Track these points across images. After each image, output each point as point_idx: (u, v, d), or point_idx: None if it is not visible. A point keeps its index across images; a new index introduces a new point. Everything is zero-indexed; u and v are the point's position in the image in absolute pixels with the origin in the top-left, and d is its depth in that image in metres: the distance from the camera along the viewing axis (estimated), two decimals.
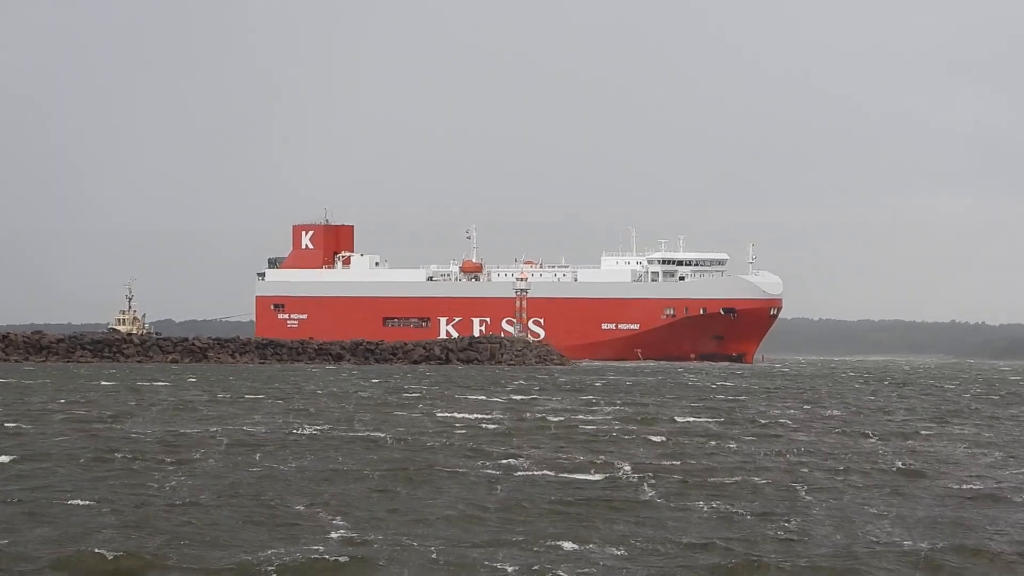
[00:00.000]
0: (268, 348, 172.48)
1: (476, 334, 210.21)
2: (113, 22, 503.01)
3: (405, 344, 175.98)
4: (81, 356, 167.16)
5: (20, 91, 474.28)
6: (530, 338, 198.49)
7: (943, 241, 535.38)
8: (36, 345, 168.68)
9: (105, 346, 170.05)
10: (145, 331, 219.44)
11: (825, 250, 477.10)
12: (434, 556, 27.67)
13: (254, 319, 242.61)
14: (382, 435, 53.94)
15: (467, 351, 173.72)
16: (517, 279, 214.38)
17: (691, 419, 68.08)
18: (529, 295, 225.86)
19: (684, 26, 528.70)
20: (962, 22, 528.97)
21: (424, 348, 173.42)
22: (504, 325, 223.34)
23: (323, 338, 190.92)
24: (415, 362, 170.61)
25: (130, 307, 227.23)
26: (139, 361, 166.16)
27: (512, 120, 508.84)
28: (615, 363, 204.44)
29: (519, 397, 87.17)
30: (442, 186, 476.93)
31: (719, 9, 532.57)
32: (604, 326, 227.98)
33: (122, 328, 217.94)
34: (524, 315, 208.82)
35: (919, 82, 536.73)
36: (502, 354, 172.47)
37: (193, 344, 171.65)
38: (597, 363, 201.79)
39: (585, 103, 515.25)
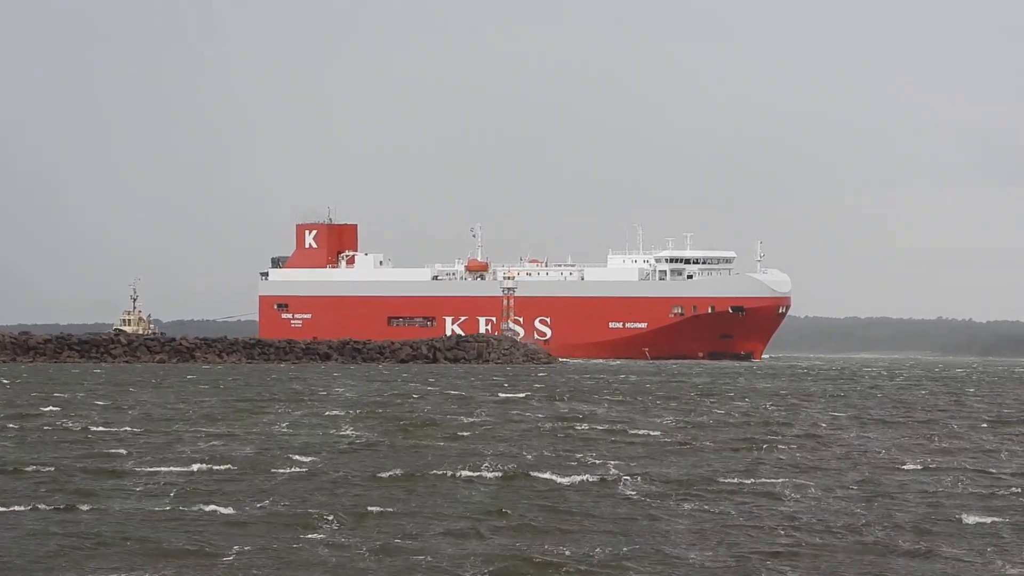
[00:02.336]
0: (255, 348, 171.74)
1: (482, 333, 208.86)
2: (108, 18, 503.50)
3: (392, 343, 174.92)
4: (68, 356, 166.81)
5: (13, 91, 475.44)
6: (517, 337, 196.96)
7: (930, 237, 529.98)
8: (24, 345, 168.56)
9: (92, 346, 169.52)
10: (151, 331, 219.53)
11: (812, 247, 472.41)
12: None
13: (257, 319, 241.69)
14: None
15: (454, 350, 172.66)
16: (504, 277, 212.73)
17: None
18: (537, 295, 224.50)
19: (687, 22, 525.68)
20: (961, 20, 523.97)
21: (411, 347, 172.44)
22: (511, 324, 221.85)
23: (327, 338, 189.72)
24: (403, 361, 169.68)
25: (135, 307, 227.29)
26: (127, 361, 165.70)
27: (516, 117, 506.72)
28: (606, 361, 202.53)
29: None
30: (446, 184, 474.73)
31: (722, 5, 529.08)
32: (611, 325, 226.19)
33: (128, 328, 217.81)
34: (511, 313, 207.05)
35: (911, 77, 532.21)
36: (489, 353, 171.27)
37: (180, 344, 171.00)
38: (579, 361, 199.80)
39: (590, 100, 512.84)
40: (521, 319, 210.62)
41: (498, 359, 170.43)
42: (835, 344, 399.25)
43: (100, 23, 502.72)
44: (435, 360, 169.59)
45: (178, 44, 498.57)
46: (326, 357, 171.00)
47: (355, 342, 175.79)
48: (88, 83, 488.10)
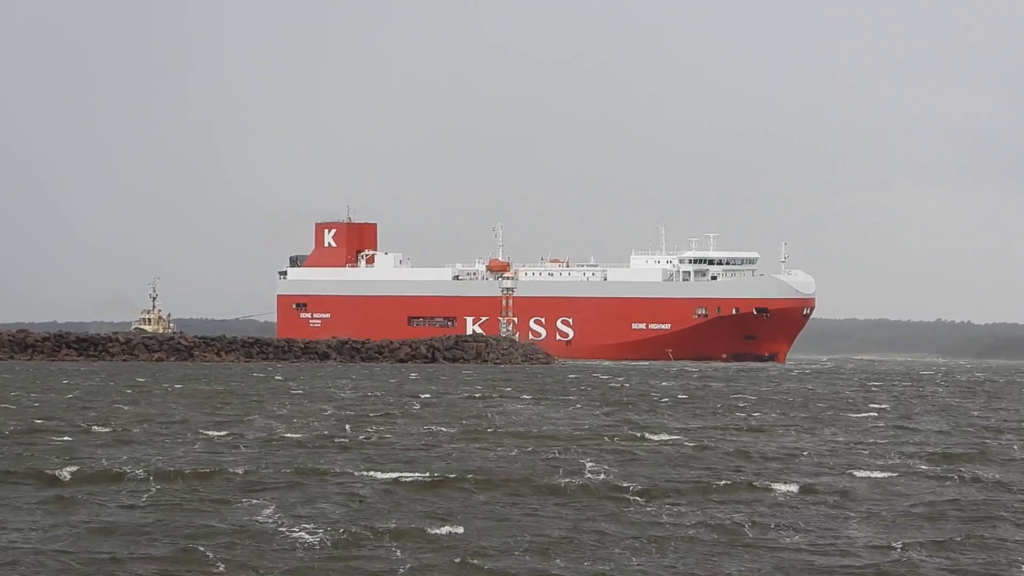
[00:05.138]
0: (254, 347, 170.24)
1: (503, 333, 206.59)
2: (106, 19, 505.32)
3: (391, 343, 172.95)
4: (67, 355, 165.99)
5: (9, 91, 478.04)
6: (516, 336, 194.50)
7: (928, 238, 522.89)
8: (21, 344, 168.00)
9: (91, 345, 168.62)
10: (170, 330, 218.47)
11: (813, 248, 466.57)
12: None
13: (276, 319, 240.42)
14: None
15: (453, 350, 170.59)
16: (504, 277, 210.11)
17: None
18: (559, 295, 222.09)
19: (703, 25, 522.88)
20: (957, 19, 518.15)
21: (410, 347, 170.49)
22: (532, 325, 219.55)
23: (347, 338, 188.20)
24: (401, 360, 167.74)
25: (155, 307, 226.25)
26: (124, 360, 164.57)
27: (539, 118, 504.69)
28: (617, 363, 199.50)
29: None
30: (467, 184, 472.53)
31: (738, 9, 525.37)
32: (634, 326, 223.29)
33: (148, 328, 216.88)
34: (511, 314, 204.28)
35: (904, 75, 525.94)
36: (488, 353, 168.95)
37: (179, 343, 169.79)
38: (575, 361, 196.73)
39: (611, 101, 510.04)
40: (516, 319, 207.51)
41: (497, 359, 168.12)
42: (836, 346, 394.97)
43: (89, 18, 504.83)
44: (434, 360, 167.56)
45: (193, 49, 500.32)
46: (324, 356, 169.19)
47: (354, 341, 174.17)
48: (97, 82, 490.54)
